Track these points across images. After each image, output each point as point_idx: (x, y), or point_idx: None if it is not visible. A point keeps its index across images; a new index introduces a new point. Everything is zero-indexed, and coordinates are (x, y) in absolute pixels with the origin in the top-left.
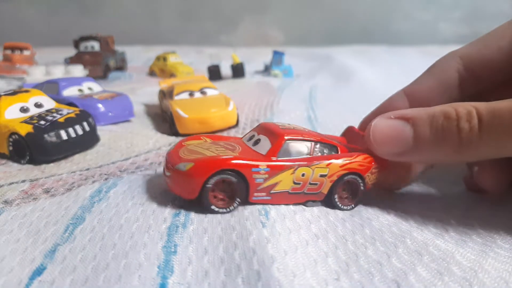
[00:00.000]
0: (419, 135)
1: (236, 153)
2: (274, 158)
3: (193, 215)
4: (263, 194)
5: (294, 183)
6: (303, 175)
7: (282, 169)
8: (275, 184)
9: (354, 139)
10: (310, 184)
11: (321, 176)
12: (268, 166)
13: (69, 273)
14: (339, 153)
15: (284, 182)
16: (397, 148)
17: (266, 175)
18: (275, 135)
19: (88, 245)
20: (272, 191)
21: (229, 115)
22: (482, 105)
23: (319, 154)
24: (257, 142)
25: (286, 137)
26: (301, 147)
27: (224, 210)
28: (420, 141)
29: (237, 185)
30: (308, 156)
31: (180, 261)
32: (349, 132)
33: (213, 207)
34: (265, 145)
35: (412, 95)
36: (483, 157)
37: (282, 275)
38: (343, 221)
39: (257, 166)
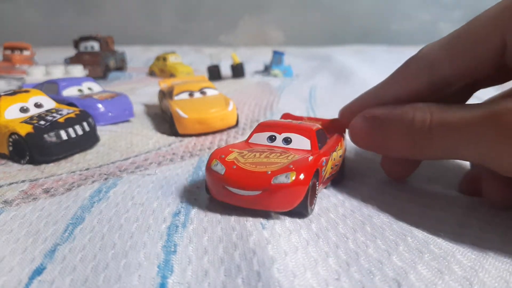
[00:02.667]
0: (385, 132)
1: (294, 154)
2: (320, 151)
3: (193, 215)
4: (322, 186)
5: (332, 168)
6: (334, 159)
7: (329, 158)
8: (325, 174)
9: None
10: (336, 165)
11: (340, 156)
12: (326, 159)
13: (69, 273)
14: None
15: (328, 170)
16: (370, 146)
17: (324, 168)
18: (305, 130)
19: (88, 245)
20: (323, 181)
21: (229, 115)
22: (436, 109)
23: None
24: (288, 141)
25: (315, 130)
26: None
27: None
28: (385, 138)
29: (315, 184)
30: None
31: (180, 260)
32: (287, 118)
33: (309, 209)
34: (302, 141)
35: (382, 99)
36: (437, 157)
37: (282, 276)
38: (344, 218)
39: (323, 161)
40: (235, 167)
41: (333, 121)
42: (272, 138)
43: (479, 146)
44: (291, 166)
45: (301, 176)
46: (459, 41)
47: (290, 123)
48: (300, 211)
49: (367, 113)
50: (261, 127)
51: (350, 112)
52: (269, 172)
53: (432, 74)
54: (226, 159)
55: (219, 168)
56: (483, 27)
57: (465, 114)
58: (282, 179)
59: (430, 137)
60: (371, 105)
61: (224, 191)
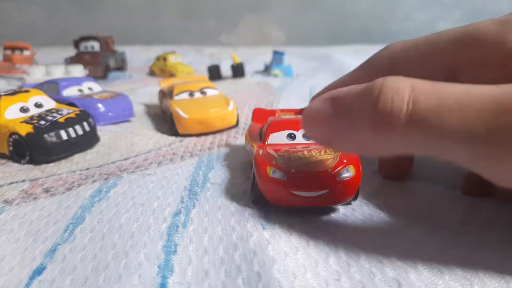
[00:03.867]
0: (344, 120)
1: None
2: None
3: (193, 215)
4: None
5: None
6: None
7: None
8: None
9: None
10: None
11: None
12: None
13: (69, 273)
14: None
15: None
16: (318, 133)
17: None
18: None
19: (88, 244)
20: None
21: (229, 115)
22: (425, 86)
23: None
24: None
25: None
26: None
27: None
28: (343, 127)
29: None
30: None
31: (180, 261)
32: (258, 113)
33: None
34: None
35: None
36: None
37: (282, 276)
38: (344, 217)
39: None
40: (293, 171)
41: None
42: (292, 136)
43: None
44: (345, 161)
45: (358, 168)
46: (419, 50)
47: (298, 119)
48: (351, 200)
49: (327, 95)
50: (274, 127)
51: None
52: (330, 170)
53: (392, 66)
54: (279, 165)
55: (279, 174)
56: (440, 46)
57: (465, 93)
58: (345, 174)
59: (408, 130)
60: None
61: (289, 196)
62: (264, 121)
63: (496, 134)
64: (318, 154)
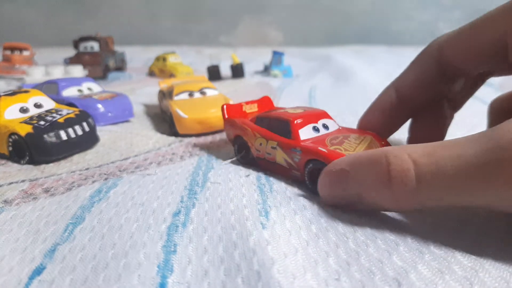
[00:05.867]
0: (356, 186)
1: (359, 135)
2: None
3: (193, 214)
4: None
5: None
6: None
7: None
8: None
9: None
10: None
11: None
12: None
13: (68, 273)
14: None
15: None
16: (336, 199)
17: None
18: (324, 113)
19: (88, 244)
20: None
21: None
22: (422, 157)
23: None
24: (327, 126)
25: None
26: None
27: None
28: (357, 192)
29: None
30: None
31: (179, 260)
32: (230, 108)
33: None
34: (333, 124)
35: (400, 91)
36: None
37: (282, 277)
38: (345, 217)
39: None
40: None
41: (262, 100)
42: (316, 129)
43: (487, 192)
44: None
45: None
46: (464, 32)
47: (311, 111)
48: None
49: (332, 167)
50: (299, 124)
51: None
52: None
53: (440, 57)
54: (339, 154)
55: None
56: (487, 26)
57: (463, 154)
58: None
59: (418, 190)
60: (385, 107)
61: None
62: (237, 115)
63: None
64: (364, 141)
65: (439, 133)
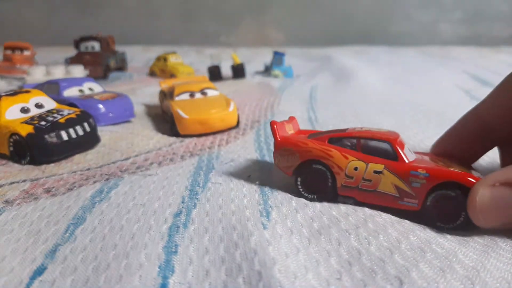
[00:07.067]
0: None
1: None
2: None
3: (194, 215)
4: None
5: None
6: None
7: None
8: None
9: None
10: None
11: None
12: None
13: (70, 273)
14: None
15: None
16: (507, 219)
17: None
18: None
19: (89, 245)
20: None
21: (229, 116)
22: None
23: None
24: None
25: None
26: None
27: None
28: None
29: None
30: None
31: (181, 261)
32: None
33: None
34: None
35: (483, 119)
36: None
37: (283, 276)
38: (346, 216)
39: None
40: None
41: (291, 120)
42: (411, 151)
43: None
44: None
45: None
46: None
47: (387, 131)
48: None
49: (498, 180)
50: (402, 144)
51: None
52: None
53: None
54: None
55: None
56: None
57: None
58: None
59: None
60: (467, 134)
61: None
62: (300, 133)
63: None
64: (448, 165)
65: None
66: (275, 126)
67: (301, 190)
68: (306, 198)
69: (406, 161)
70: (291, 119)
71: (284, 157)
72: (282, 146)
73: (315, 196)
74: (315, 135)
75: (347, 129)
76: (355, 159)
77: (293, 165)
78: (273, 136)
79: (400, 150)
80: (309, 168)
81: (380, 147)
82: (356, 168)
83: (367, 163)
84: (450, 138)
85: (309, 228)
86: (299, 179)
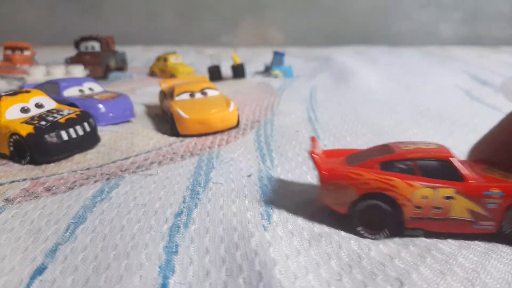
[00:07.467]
0: None
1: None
2: None
3: (195, 215)
4: None
5: None
6: None
7: None
8: None
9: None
10: None
11: None
12: None
13: (70, 273)
14: None
15: None
16: None
17: None
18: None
19: (90, 245)
20: None
21: (229, 116)
22: None
23: None
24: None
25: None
26: None
27: None
28: None
29: None
30: None
31: (181, 261)
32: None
33: None
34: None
35: None
36: None
37: (283, 277)
38: (347, 220)
39: None
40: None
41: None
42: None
43: None
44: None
45: None
46: None
47: (427, 146)
48: None
49: None
50: (458, 160)
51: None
52: None
53: None
54: None
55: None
56: None
57: None
58: None
59: None
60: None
61: None
62: (336, 156)
63: None
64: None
65: None
66: (316, 157)
67: (361, 231)
68: (368, 238)
69: (473, 180)
70: (314, 140)
71: (335, 193)
72: (332, 180)
73: (381, 235)
74: (354, 159)
75: (388, 145)
76: (421, 186)
77: (348, 201)
78: (317, 169)
79: (461, 168)
80: (370, 203)
81: (438, 167)
82: (424, 197)
83: (434, 188)
84: (489, 143)
85: (309, 231)
86: (357, 217)
